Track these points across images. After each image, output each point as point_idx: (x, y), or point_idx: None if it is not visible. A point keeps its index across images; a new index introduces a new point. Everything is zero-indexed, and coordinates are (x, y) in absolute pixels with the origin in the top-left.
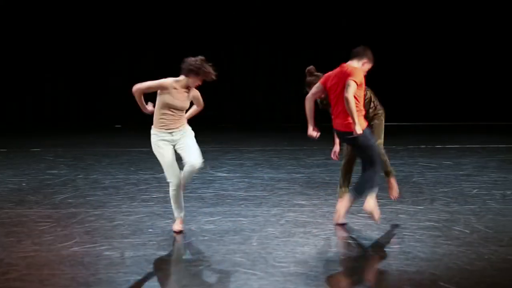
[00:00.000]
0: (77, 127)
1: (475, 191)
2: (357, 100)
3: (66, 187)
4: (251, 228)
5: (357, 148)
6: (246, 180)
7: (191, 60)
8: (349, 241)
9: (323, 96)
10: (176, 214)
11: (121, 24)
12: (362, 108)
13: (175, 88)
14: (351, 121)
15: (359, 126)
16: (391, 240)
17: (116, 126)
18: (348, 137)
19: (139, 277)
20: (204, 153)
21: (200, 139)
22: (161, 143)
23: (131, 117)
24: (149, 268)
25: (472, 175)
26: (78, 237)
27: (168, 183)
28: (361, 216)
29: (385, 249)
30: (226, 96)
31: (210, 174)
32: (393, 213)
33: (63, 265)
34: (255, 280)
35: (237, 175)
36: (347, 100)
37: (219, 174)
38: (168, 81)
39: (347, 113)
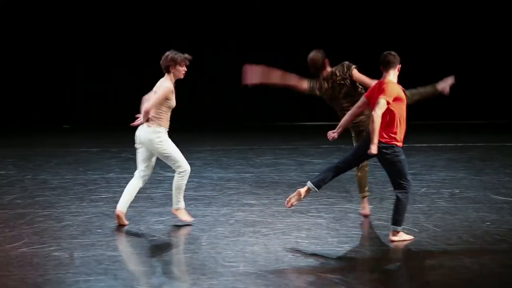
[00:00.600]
0: (25, 127)
1: (423, 190)
2: (394, 115)
3: (14, 188)
4: (201, 228)
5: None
6: (195, 180)
7: (164, 56)
8: (299, 240)
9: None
10: (183, 204)
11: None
12: (402, 123)
13: (173, 90)
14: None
15: (375, 146)
16: (341, 239)
17: (64, 126)
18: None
19: (89, 278)
20: None
21: None
22: (169, 139)
23: (79, 117)
24: (98, 268)
25: (421, 174)
26: (26, 238)
27: (167, 177)
28: (310, 216)
29: (334, 248)
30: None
31: (159, 174)
32: (343, 212)
33: (12, 266)
34: (204, 280)
35: None
36: (372, 117)
37: (168, 174)
38: (170, 86)
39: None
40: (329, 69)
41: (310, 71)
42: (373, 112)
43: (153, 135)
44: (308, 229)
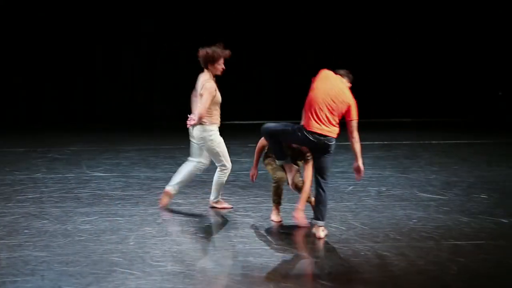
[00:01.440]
0: None
1: (350, 188)
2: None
3: None
4: (128, 227)
5: (327, 156)
6: (122, 179)
7: (202, 52)
8: (226, 239)
9: None
10: (220, 196)
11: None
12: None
13: (216, 87)
14: (332, 130)
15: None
16: (268, 237)
17: None
18: (326, 142)
19: (15, 279)
20: (80, 153)
21: (75, 139)
22: (219, 136)
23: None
24: (25, 269)
25: (348, 172)
26: None
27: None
28: (238, 214)
29: (262, 247)
30: (102, 95)
31: (87, 174)
32: (270, 211)
33: None
34: (132, 279)
35: (114, 174)
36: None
37: (96, 173)
38: (212, 85)
39: (332, 123)
40: None
41: None
42: (354, 130)
43: (205, 134)
44: (235, 228)
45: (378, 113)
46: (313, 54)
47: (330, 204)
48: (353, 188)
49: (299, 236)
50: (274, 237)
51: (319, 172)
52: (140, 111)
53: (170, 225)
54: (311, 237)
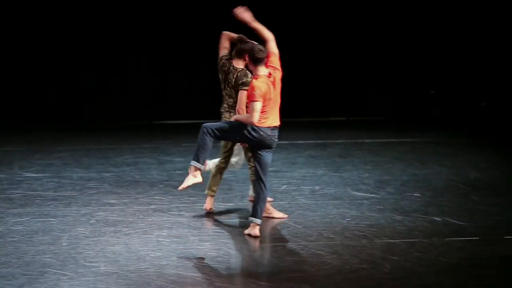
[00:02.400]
0: None
1: (284, 187)
2: None
3: None
4: (61, 228)
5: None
6: (55, 180)
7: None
8: (160, 239)
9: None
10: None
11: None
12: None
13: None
14: None
15: None
16: (202, 237)
17: None
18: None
19: None
20: (12, 153)
21: (7, 139)
22: None
23: None
24: None
25: (281, 171)
26: None
27: None
28: (172, 214)
29: (196, 247)
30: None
31: (19, 174)
32: (203, 210)
33: None
34: (65, 280)
35: (46, 175)
36: None
37: (28, 174)
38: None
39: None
40: (240, 65)
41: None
42: None
43: None
44: (169, 227)
45: (312, 112)
46: None
47: None
48: (286, 187)
49: (233, 235)
50: (208, 237)
51: (264, 170)
52: (73, 111)
53: (103, 225)
54: (245, 236)
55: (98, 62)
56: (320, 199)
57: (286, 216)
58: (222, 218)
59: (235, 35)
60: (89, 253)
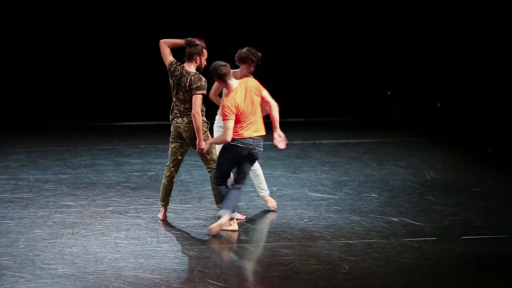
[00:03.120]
0: None
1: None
2: None
3: None
4: (18, 230)
5: (254, 160)
6: (11, 182)
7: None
8: (118, 241)
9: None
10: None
11: None
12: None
13: None
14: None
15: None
16: (160, 239)
17: None
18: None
19: None
20: None
21: None
22: None
23: None
24: None
25: None
26: None
27: None
28: (129, 216)
29: (153, 248)
30: None
31: None
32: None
33: None
34: (23, 283)
35: (2, 177)
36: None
37: None
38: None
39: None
40: (192, 68)
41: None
42: (273, 101)
43: None
44: (127, 229)
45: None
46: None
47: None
48: (244, 188)
49: (190, 237)
50: (166, 238)
51: (243, 178)
52: (28, 113)
53: (61, 227)
54: (202, 238)
55: (53, 63)
56: (277, 200)
57: (244, 217)
58: (179, 220)
59: (178, 41)
60: (46, 255)
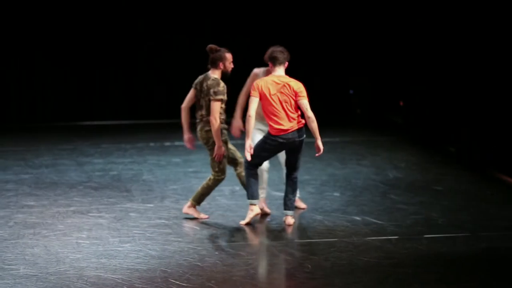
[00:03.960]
0: None
1: None
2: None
3: None
4: None
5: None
6: None
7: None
8: (80, 241)
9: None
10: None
11: None
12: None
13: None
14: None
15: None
16: (122, 238)
17: None
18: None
19: None
20: None
21: None
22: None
23: None
24: None
25: (201, 171)
26: None
27: None
28: (91, 216)
29: (115, 248)
30: None
31: None
32: (123, 211)
33: None
34: None
35: None
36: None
37: None
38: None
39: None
40: (216, 74)
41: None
42: (311, 114)
43: None
44: (89, 229)
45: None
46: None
47: (182, 205)
48: None
49: (153, 236)
50: (128, 238)
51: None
52: None
53: (22, 227)
54: (164, 238)
55: (13, 62)
56: (240, 199)
57: (206, 216)
58: (142, 219)
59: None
60: (8, 256)
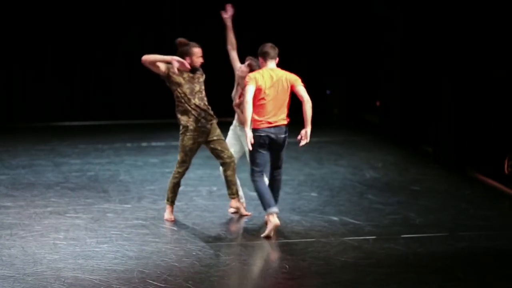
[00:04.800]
0: None
1: (181, 188)
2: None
3: None
4: None
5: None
6: None
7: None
8: (57, 241)
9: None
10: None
11: None
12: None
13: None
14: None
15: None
16: (99, 239)
17: None
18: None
19: None
20: None
21: None
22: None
23: None
24: None
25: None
26: None
27: None
28: (68, 217)
29: (93, 249)
30: None
31: None
32: (101, 212)
33: None
34: None
35: None
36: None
37: None
38: None
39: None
40: None
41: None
42: (308, 97)
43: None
44: (66, 230)
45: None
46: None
47: (160, 205)
48: (183, 188)
49: (130, 237)
50: (105, 239)
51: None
52: None
53: None
54: (142, 238)
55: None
56: (217, 200)
57: (171, 218)
58: (119, 220)
59: (165, 57)
60: None
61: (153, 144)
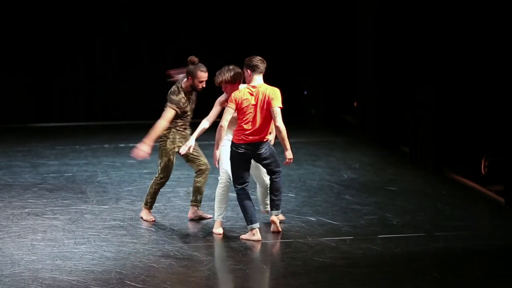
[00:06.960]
0: None
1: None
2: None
3: None
4: None
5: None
6: None
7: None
8: (34, 242)
9: None
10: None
11: None
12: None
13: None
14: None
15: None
16: (77, 240)
17: None
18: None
19: None
20: None
21: None
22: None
23: None
24: None
25: (155, 172)
26: None
27: None
28: (46, 218)
29: (71, 250)
30: None
31: None
32: (78, 213)
33: None
34: None
35: None
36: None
37: None
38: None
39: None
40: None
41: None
42: (279, 123)
43: None
44: (44, 231)
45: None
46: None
47: (138, 206)
48: (162, 189)
49: (108, 238)
50: (83, 240)
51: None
52: None
53: None
54: (119, 239)
55: None
56: None
57: (152, 219)
58: (97, 221)
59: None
60: None
61: (131, 145)
